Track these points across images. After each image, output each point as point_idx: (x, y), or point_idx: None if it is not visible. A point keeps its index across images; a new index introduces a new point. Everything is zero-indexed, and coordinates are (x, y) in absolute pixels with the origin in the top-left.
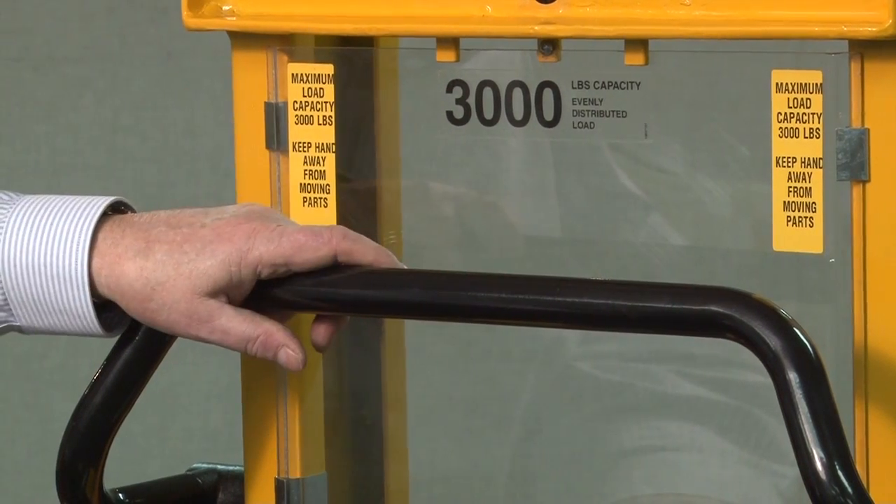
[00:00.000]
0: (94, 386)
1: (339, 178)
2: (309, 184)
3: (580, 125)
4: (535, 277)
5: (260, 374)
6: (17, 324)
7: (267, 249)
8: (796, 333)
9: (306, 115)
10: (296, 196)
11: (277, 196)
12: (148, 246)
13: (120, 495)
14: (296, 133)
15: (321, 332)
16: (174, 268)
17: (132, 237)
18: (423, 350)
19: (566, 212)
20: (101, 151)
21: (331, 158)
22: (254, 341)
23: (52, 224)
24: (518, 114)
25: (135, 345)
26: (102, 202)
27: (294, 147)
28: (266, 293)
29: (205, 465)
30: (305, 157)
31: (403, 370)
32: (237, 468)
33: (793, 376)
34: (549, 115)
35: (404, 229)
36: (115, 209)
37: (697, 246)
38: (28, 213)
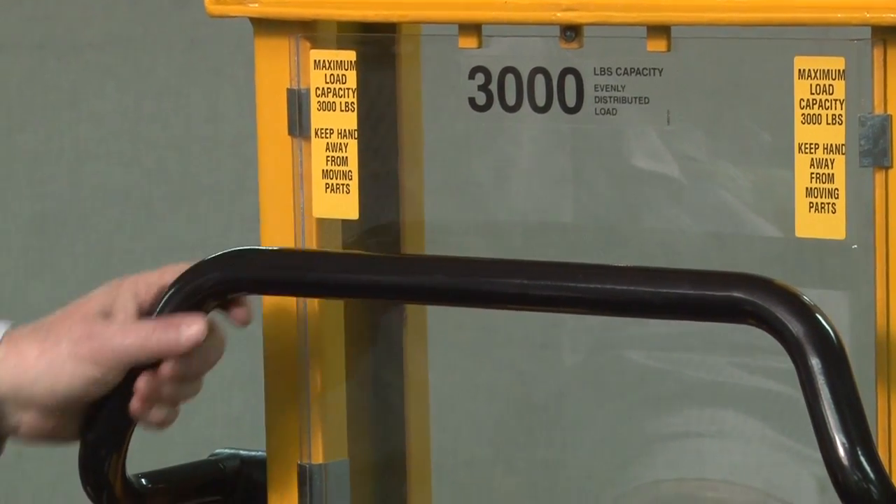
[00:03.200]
0: None
1: (361, 164)
2: (331, 170)
3: (602, 112)
4: (558, 263)
5: (283, 360)
6: None
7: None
8: (818, 319)
9: (329, 102)
10: (318, 182)
11: (300, 182)
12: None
13: (142, 480)
14: (318, 119)
15: (241, 313)
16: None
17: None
18: (445, 336)
19: (588, 198)
20: (124, 139)
21: (353, 145)
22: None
23: None
24: (540, 100)
25: None
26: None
27: (316, 133)
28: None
29: (227, 451)
30: (328, 143)
31: (425, 356)
32: (260, 454)
33: (815, 362)
34: (571, 101)
35: (426, 215)
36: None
37: (720, 232)
38: None
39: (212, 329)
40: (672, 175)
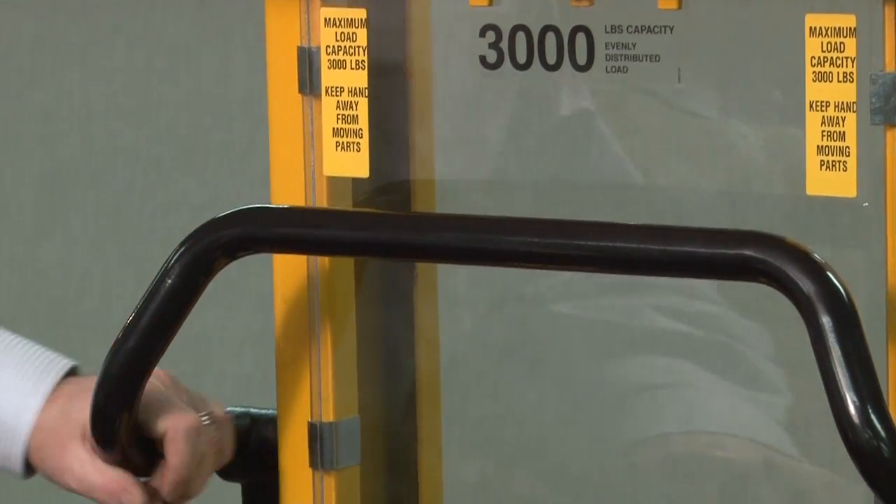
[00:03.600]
0: (128, 330)
1: (372, 122)
2: (342, 128)
3: (613, 69)
4: (568, 222)
5: (293, 318)
6: None
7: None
8: (829, 277)
9: (339, 60)
10: (328, 141)
11: (310, 140)
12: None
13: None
14: (329, 78)
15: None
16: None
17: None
18: (455, 294)
19: (599, 156)
20: (134, 97)
21: (363, 103)
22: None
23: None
24: (551, 58)
25: (168, 290)
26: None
27: (327, 92)
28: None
29: (238, 409)
30: (338, 101)
31: (436, 314)
32: (270, 412)
33: (826, 320)
34: (582, 59)
35: (437, 173)
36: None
37: (731, 191)
38: None
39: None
40: (682, 133)
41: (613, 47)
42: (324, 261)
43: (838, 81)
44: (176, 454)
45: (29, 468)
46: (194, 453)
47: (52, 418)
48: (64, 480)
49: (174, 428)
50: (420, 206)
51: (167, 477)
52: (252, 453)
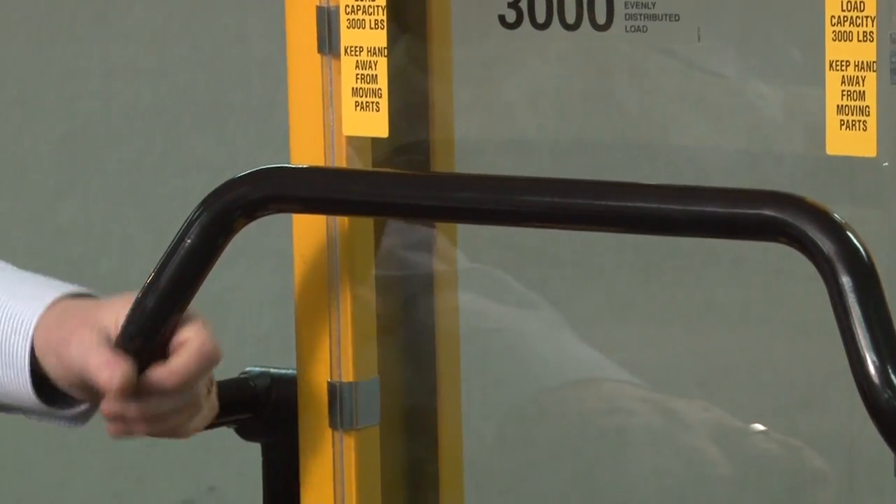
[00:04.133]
0: (147, 290)
1: (391, 82)
2: (361, 88)
3: (633, 29)
4: (587, 182)
5: (313, 278)
6: None
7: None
8: (849, 237)
9: (358, 20)
10: (348, 100)
11: (329, 100)
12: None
13: None
14: (348, 37)
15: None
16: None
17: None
18: (475, 255)
19: (618, 116)
20: (152, 57)
21: (383, 62)
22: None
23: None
24: (570, 18)
25: (187, 250)
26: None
27: (346, 51)
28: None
29: (258, 369)
30: (357, 61)
31: (455, 275)
32: (290, 372)
33: (845, 280)
34: (601, 18)
35: (456, 133)
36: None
37: (750, 150)
38: None
39: (185, 390)
40: (702, 93)
41: (633, 6)
42: (343, 221)
43: (858, 41)
44: (197, 341)
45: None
46: (205, 360)
47: (68, 307)
48: (67, 353)
49: (198, 330)
50: (439, 166)
51: (183, 357)
52: (271, 413)
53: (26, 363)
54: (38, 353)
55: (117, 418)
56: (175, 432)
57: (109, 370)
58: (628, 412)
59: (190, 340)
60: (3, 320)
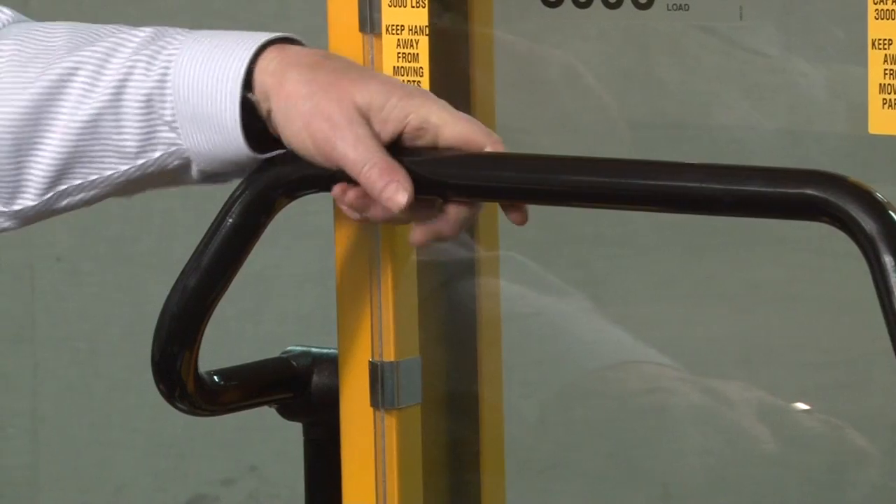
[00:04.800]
0: (190, 269)
1: (432, 61)
2: (402, 67)
3: (674, 7)
4: (629, 161)
5: (354, 256)
6: (183, 146)
7: (431, 109)
8: (892, 216)
9: None
10: None
11: None
12: (316, 63)
13: (215, 378)
14: (389, 16)
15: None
16: (339, 75)
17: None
18: (515, 234)
19: (659, 95)
20: None
21: (424, 41)
22: (371, 165)
23: (220, 45)
24: None
25: (229, 229)
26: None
27: (387, 30)
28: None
29: (299, 348)
30: (399, 39)
31: (497, 252)
32: (331, 351)
33: (888, 259)
34: None
35: (497, 112)
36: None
37: (792, 129)
38: (199, 43)
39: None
40: (744, 71)
41: None
42: None
43: None
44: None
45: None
46: None
47: (301, 58)
48: (316, 138)
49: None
50: None
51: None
52: (312, 393)
53: (237, 115)
54: (263, 105)
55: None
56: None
57: (396, 185)
58: (669, 391)
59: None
60: (204, 79)
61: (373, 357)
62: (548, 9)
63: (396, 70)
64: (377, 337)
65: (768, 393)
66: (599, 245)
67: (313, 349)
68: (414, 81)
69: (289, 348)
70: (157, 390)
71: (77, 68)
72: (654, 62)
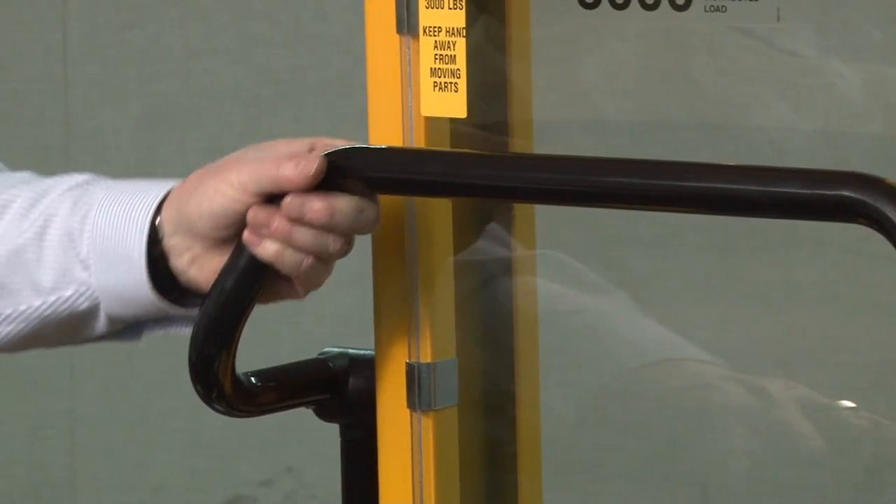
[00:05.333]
0: (226, 271)
1: (470, 62)
2: (439, 68)
3: (711, 9)
4: (666, 162)
5: (391, 258)
6: (94, 286)
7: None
8: None
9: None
10: (426, 80)
11: (408, 80)
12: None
13: (252, 379)
14: (426, 17)
15: None
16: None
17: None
18: (554, 236)
19: (696, 97)
20: (231, 36)
21: (461, 43)
22: (266, 166)
23: (141, 187)
24: None
25: None
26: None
27: (425, 31)
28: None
29: (336, 350)
30: (436, 41)
31: (534, 255)
32: (368, 352)
33: None
34: None
35: (535, 113)
36: None
37: (829, 131)
38: (112, 192)
39: (358, 199)
40: (781, 73)
41: None
42: (421, 201)
43: None
44: None
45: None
46: None
47: (188, 179)
48: (227, 178)
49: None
50: (518, 146)
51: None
52: (350, 394)
53: (143, 248)
54: (166, 228)
55: (284, 229)
56: (314, 279)
57: (301, 161)
58: (711, 387)
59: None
60: (117, 214)
61: (410, 358)
62: (585, 10)
63: (433, 71)
64: (414, 338)
65: (811, 390)
66: (637, 246)
67: (350, 350)
68: (451, 83)
69: (326, 349)
70: (194, 391)
71: (11, 201)
72: (691, 63)
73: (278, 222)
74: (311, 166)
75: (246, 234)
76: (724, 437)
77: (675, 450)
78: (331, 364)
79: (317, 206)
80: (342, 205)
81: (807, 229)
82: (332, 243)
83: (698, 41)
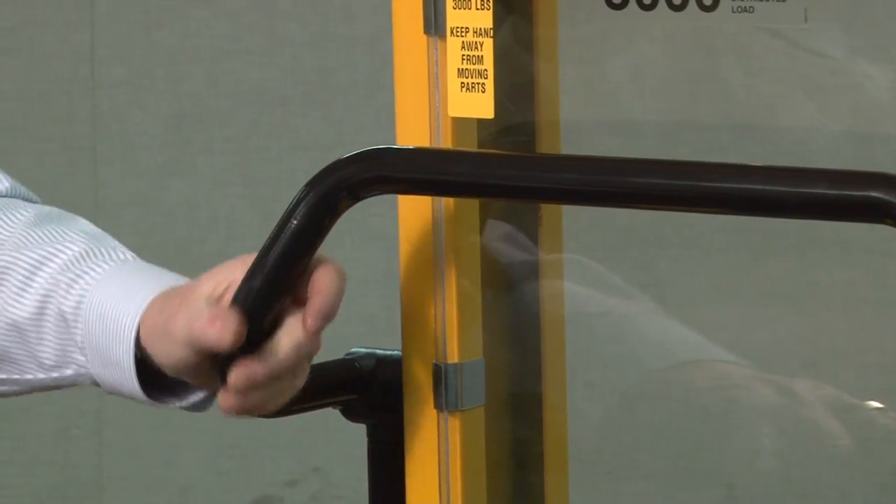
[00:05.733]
0: (254, 270)
1: (497, 63)
2: (466, 69)
3: (739, 10)
4: (693, 163)
5: (418, 258)
6: (91, 372)
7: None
8: None
9: (464, 0)
10: (453, 81)
11: (435, 81)
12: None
13: None
14: (454, 18)
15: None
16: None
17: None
18: (580, 237)
19: (724, 97)
20: (259, 37)
21: (488, 43)
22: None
23: (130, 287)
24: None
25: (293, 230)
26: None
27: (452, 32)
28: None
29: (363, 350)
30: (463, 42)
31: (561, 254)
32: (395, 353)
33: None
34: None
35: (562, 113)
36: None
37: (856, 132)
38: (114, 280)
39: (296, 336)
40: (808, 73)
41: None
42: (448, 202)
43: None
44: (325, 280)
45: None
46: (340, 290)
47: (168, 294)
48: (175, 328)
49: (328, 264)
50: (545, 147)
51: (315, 303)
52: (376, 394)
53: (132, 363)
54: (143, 343)
55: (240, 384)
56: (277, 399)
57: (220, 324)
58: (738, 388)
59: (324, 266)
60: (106, 321)
61: (436, 359)
62: (612, 10)
63: (461, 72)
64: (441, 339)
65: (837, 390)
66: (663, 247)
67: (377, 351)
68: (478, 83)
69: (353, 350)
70: None
71: (9, 268)
72: (719, 64)
73: (231, 388)
74: (228, 331)
75: (223, 400)
76: (751, 438)
77: (702, 450)
78: (358, 364)
79: (259, 371)
80: (283, 356)
81: (833, 230)
82: (289, 382)
83: (726, 42)
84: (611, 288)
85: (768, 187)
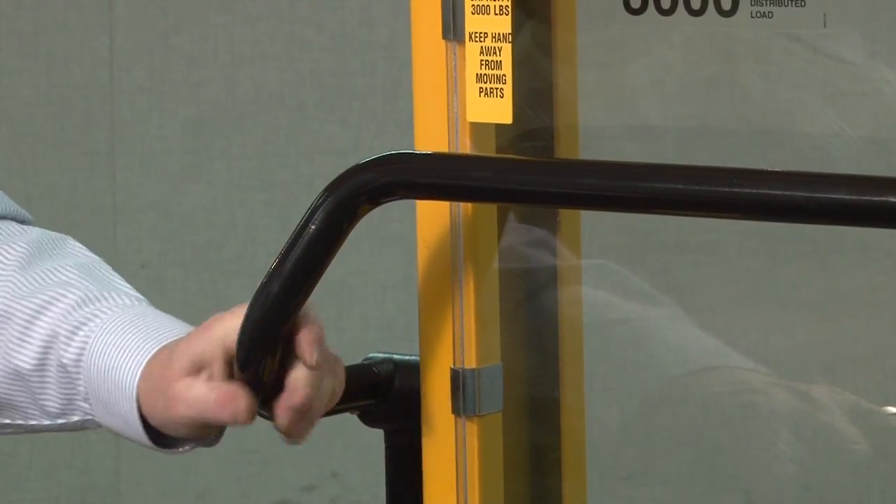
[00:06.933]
0: (272, 275)
1: (515, 68)
2: (485, 74)
3: (758, 15)
4: (712, 168)
5: (436, 264)
6: (97, 419)
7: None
8: None
9: (483, 5)
10: (472, 86)
11: (454, 86)
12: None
13: None
14: (472, 23)
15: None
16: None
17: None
18: (599, 242)
19: (743, 103)
20: (278, 41)
21: (507, 48)
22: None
23: (127, 343)
24: (696, 3)
25: (312, 235)
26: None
27: (470, 37)
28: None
29: (381, 355)
30: (482, 47)
31: (579, 260)
32: (413, 358)
33: None
34: (726, 4)
35: (580, 119)
36: None
37: (876, 137)
38: (113, 332)
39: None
40: (827, 79)
41: None
42: (467, 207)
43: None
44: (307, 354)
45: (149, 428)
46: (323, 360)
47: (158, 362)
48: (178, 413)
49: (309, 329)
50: (563, 152)
51: (299, 379)
52: (394, 399)
53: (137, 420)
54: (143, 407)
55: (291, 425)
56: (325, 399)
57: (231, 406)
58: (756, 393)
59: (305, 331)
60: (108, 376)
61: (454, 364)
62: (631, 15)
63: (479, 77)
64: (459, 344)
65: (856, 396)
66: (682, 252)
67: (395, 356)
68: (497, 88)
69: (371, 355)
70: None
71: (11, 314)
72: (737, 69)
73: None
74: (241, 410)
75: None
76: (769, 444)
77: (720, 456)
78: (375, 369)
79: (296, 402)
80: (300, 394)
81: (853, 235)
82: (328, 382)
83: (744, 47)
84: (631, 293)
85: (788, 192)
